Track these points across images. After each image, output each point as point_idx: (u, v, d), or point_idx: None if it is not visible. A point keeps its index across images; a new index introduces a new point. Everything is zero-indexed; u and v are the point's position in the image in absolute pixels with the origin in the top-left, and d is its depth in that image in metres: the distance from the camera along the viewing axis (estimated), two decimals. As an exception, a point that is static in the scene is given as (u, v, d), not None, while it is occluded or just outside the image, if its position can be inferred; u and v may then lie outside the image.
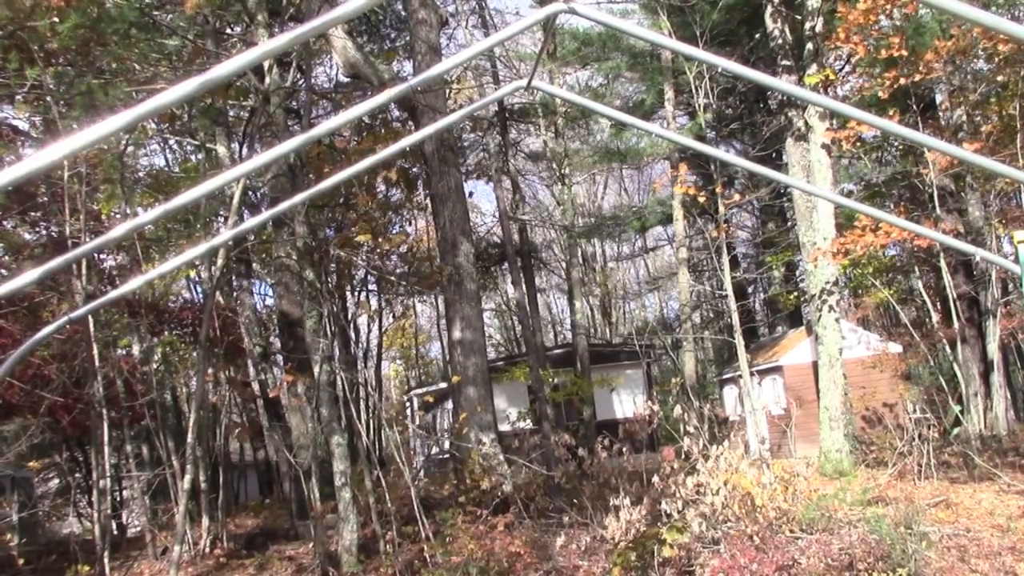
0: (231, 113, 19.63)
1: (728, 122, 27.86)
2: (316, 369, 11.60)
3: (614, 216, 35.46)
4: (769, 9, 18.61)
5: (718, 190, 18.39)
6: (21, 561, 10.96)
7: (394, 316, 36.18)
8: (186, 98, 2.74)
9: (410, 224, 25.65)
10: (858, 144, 17.70)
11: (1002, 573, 8.26)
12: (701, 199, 17.87)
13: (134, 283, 4.97)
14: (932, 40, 14.20)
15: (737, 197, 19.27)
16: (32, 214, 14.21)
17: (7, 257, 15.15)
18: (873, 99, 15.80)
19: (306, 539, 13.55)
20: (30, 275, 3.26)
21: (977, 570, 8.38)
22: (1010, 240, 16.51)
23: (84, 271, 11.53)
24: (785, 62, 18.18)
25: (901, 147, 19.44)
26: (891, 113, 15.34)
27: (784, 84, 4.86)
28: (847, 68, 17.90)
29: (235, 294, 21.57)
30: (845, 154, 20.33)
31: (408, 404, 29.62)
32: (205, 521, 14.52)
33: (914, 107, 16.87)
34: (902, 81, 14.47)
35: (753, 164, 5.01)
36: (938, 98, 19.86)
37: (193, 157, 24.28)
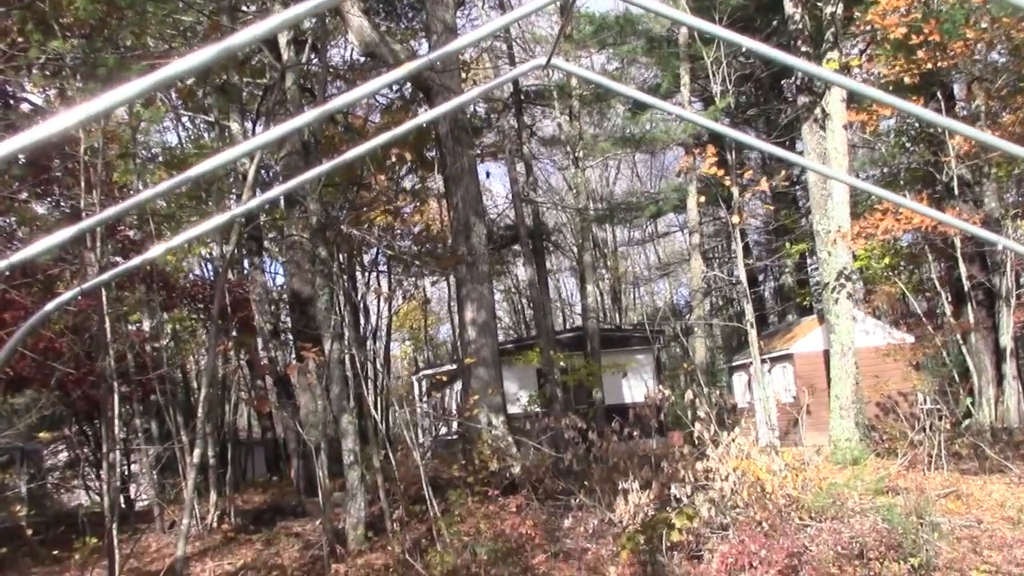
0: (245, 92, 19.57)
1: (744, 109, 27.65)
2: (327, 347, 11.59)
3: (628, 202, 35.31)
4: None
5: (747, 175, 18.21)
6: (29, 532, 10.99)
7: (404, 297, 36.18)
8: (203, 66, 2.66)
9: (424, 204, 25.58)
10: (876, 133, 17.52)
11: (1014, 565, 8.21)
12: (727, 183, 17.67)
13: (147, 255, 4.93)
14: (959, 28, 14.04)
15: (764, 182, 19.00)
16: (47, 187, 14.19)
17: (20, 232, 15.14)
18: (895, 86, 15.66)
19: (313, 516, 13.58)
20: (43, 243, 3.21)
21: (989, 561, 8.32)
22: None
23: (98, 243, 11.50)
24: (804, 48, 18.01)
25: (920, 135, 19.23)
26: (913, 98, 15.20)
27: (805, 63, 4.77)
28: (867, 55, 17.72)
29: (246, 272, 21.60)
30: (860, 144, 20.11)
31: (417, 385, 29.65)
32: (213, 496, 14.60)
33: (938, 95, 16.71)
34: (929, 65, 14.35)
35: (774, 147, 4.92)
36: (955, 88, 19.67)
37: (206, 135, 24.31)
